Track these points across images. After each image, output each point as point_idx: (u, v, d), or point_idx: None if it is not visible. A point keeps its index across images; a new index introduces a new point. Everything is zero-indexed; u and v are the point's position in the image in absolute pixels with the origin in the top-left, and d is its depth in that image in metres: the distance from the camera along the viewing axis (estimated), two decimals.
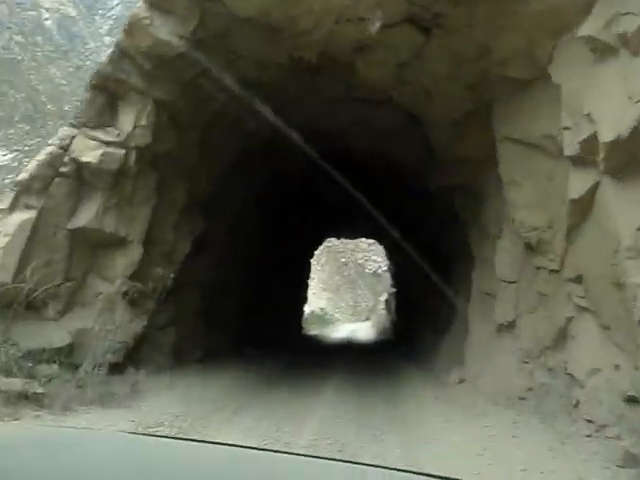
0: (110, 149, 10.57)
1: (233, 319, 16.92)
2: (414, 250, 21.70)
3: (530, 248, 10.20)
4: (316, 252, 32.94)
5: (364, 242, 55.82)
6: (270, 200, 19.28)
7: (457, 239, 15.82)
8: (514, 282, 11.04)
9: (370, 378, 14.44)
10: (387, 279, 47.82)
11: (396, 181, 18.12)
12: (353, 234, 30.99)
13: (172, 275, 12.42)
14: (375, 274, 56.71)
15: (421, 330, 20.37)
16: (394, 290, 33.52)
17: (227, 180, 15.05)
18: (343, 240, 54.43)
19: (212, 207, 14.68)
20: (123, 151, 10.69)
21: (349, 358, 18.52)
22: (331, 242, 56.46)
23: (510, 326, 11.07)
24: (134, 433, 3.27)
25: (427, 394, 11.96)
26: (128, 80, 10.72)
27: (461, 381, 12.37)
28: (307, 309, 38.96)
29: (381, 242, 30.51)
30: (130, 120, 10.86)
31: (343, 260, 59.49)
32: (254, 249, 18.99)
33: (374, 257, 56.38)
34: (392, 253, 27.78)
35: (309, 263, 31.44)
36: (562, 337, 9.45)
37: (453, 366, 13.45)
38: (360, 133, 15.50)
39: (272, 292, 22.30)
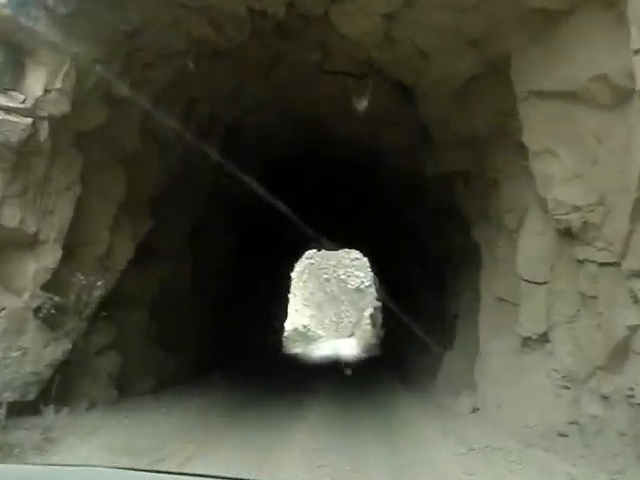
0: (11, 117, 7.72)
1: (197, 340, 14.00)
2: (403, 256, 18.88)
3: (569, 235, 7.47)
4: (296, 265, 30.06)
5: (346, 257, 53.91)
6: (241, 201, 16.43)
7: (457, 238, 13.10)
8: (544, 283, 8.28)
9: (358, 407, 11.61)
10: (370, 294, 45.56)
11: (383, 175, 15.39)
12: (334, 245, 28.19)
13: (108, 286, 9.54)
14: (358, 290, 54.66)
15: (413, 346, 17.53)
16: (379, 304, 30.72)
17: (186, 173, 12.24)
18: (324, 252, 52.30)
19: (165, 206, 11.84)
20: (30, 120, 7.83)
21: (334, 379, 15.62)
22: (313, 259, 54.32)
23: (541, 340, 8.30)
24: (118, 468, 2.44)
25: (432, 428, 9.15)
26: (35, 28, 7.88)
27: (474, 410, 9.56)
28: (289, 326, 36.13)
29: (364, 252, 27.71)
30: (40, 82, 8.04)
31: (325, 276, 57.36)
32: (223, 259, 16.10)
33: (357, 272, 54.32)
34: (377, 263, 25.00)
35: (289, 277, 28.55)
36: (622, 353, 6.71)
37: (460, 390, 10.65)
38: (339, 116, 12.76)
39: (246, 308, 19.39)
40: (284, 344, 28.66)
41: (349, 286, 56.22)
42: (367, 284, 47.72)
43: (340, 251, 52.52)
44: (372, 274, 30.65)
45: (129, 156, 10.16)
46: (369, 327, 35.24)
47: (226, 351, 16.61)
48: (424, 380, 14.04)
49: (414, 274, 17.98)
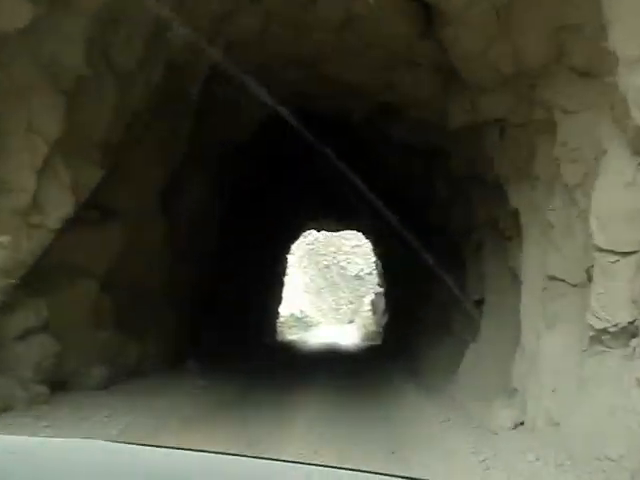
0: None
1: (171, 323, 11.39)
2: (412, 234, 16.23)
3: None
4: (293, 246, 27.40)
5: (346, 244, 51.81)
6: (231, 167, 13.77)
7: (483, 207, 10.51)
8: (631, 253, 5.64)
9: (360, 410, 9.02)
10: (370, 282, 42.67)
11: (391, 137, 12.70)
12: (335, 224, 25.52)
13: (35, 249, 6.94)
14: (357, 276, 52.63)
15: (423, 336, 14.94)
16: (381, 289, 28.13)
17: (157, 115, 9.65)
18: (324, 238, 49.98)
19: (129, 155, 9.24)
20: None
21: (331, 374, 13.00)
22: (313, 244, 52.45)
23: (622, 334, 5.67)
24: (114, 441, 2.18)
25: (462, 450, 6.55)
26: None
27: (517, 425, 6.95)
28: (285, 311, 33.62)
29: (367, 232, 25.05)
30: None
31: (325, 263, 55.31)
32: (207, 230, 13.46)
33: (356, 259, 52.30)
34: (381, 243, 22.35)
35: (285, 258, 25.90)
36: None
37: (491, 395, 8.07)
38: (338, 56, 10.14)
39: (235, 289, 16.80)
40: (278, 330, 26.07)
41: (349, 273, 54.62)
42: (367, 271, 45.81)
43: (340, 237, 50.73)
44: (374, 257, 28.00)
45: (70, 81, 7.51)
46: (370, 314, 32.68)
47: (209, 337, 14.03)
48: (439, 378, 11.45)
49: (424, 254, 15.33)
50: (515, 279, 9.43)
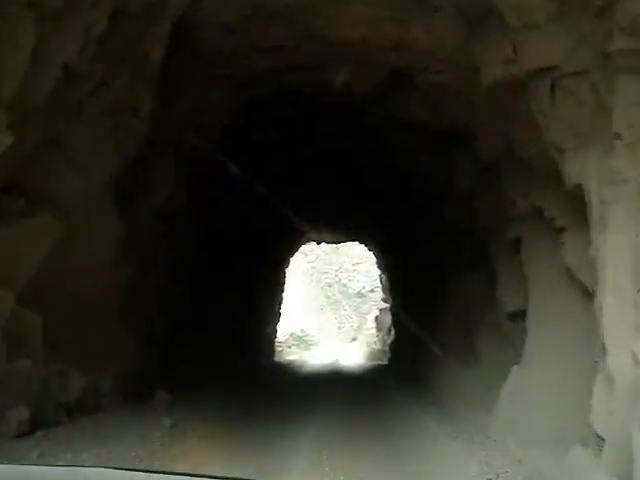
0: None
1: (129, 346, 8.89)
2: (426, 234, 13.75)
3: None
4: (291, 259, 24.85)
5: (348, 261, 50.04)
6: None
7: (521, 193, 8.08)
8: None
9: (378, 471, 6.49)
10: (372, 299, 40.75)
11: (400, 111, 10.29)
12: (335, 235, 23.00)
13: None
14: (360, 294, 50.72)
15: (439, 356, 12.41)
16: (387, 305, 25.60)
17: (108, 74, 7.27)
18: (325, 255, 47.96)
19: (66, 125, 6.86)
20: None
21: (334, 405, 10.43)
22: (314, 263, 51.07)
23: None
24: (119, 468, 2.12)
25: None
26: None
27: None
28: (286, 330, 31.12)
29: (370, 244, 22.52)
30: None
31: (326, 280, 53.46)
32: (183, 236, 11.02)
33: (358, 277, 50.40)
34: (386, 253, 19.83)
35: (282, 272, 23.37)
36: None
37: (554, 442, 5.58)
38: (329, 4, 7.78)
39: (223, 306, 14.32)
40: (277, 349, 23.48)
41: (350, 290, 52.69)
42: (369, 289, 43.98)
43: (341, 255, 48.63)
44: (379, 270, 25.44)
45: None
46: (373, 332, 30.11)
47: (190, 363, 11.53)
48: (465, 411, 8.99)
49: (439, 262, 12.88)
50: (572, 283, 6.99)
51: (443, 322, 12.32)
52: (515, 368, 7.49)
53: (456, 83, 8.20)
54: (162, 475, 1.78)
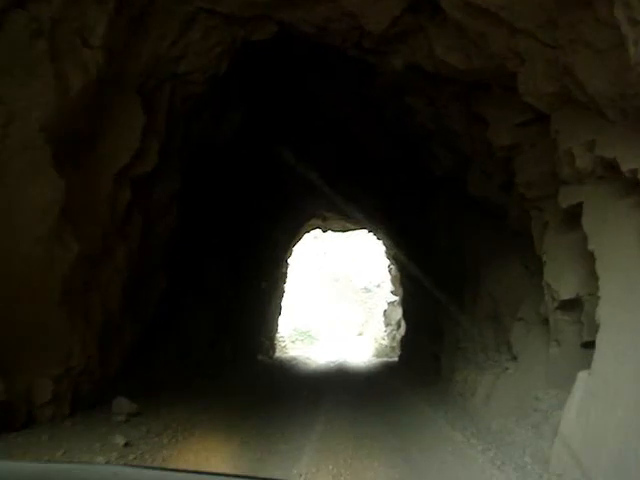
0: None
1: (70, 341, 6.87)
2: (446, 211, 11.52)
3: None
4: (294, 249, 22.78)
5: (354, 256, 47.01)
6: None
7: (581, 141, 6.03)
8: None
9: None
10: (379, 293, 39.45)
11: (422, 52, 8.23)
12: (342, 221, 20.87)
13: None
14: (366, 289, 49.57)
15: (465, 356, 10.37)
16: (397, 298, 23.61)
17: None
18: (331, 245, 46.54)
19: None
20: None
21: (339, 414, 8.39)
22: (320, 256, 50.13)
23: None
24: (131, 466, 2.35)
25: None
26: None
27: None
28: (289, 324, 29.25)
29: (379, 231, 20.40)
30: None
31: (332, 275, 52.37)
32: (156, 213, 9.02)
33: (365, 271, 49.21)
34: (398, 240, 17.71)
35: (284, 262, 21.32)
36: None
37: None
38: None
39: (211, 294, 12.32)
40: (277, 345, 21.46)
41: (357, 285, 51.57)
42: (375, 284, 43.02)
43: (348, 249, 47.19)
44: (388, 260, 23.32)
45: None
46: (381, 326, 28.09)
47: (160, 361, 9.55)
48: (504, 425, 6.95)
49: (463, 246, 10.85)
50: None
51: (469, 315, 10.26)
52: (583, 376, 5.46)
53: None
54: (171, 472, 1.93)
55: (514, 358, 8.25)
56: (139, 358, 8.56)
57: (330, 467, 5.59)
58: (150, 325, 9.09)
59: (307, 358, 20.58)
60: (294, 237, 20.73)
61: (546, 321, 7.44)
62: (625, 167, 5.44)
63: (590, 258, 6.06)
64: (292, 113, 12.25)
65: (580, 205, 6.31)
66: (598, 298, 5.60)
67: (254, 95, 11.13)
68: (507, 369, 8.21)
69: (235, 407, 8.47)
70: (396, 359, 19.77)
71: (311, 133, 13.11)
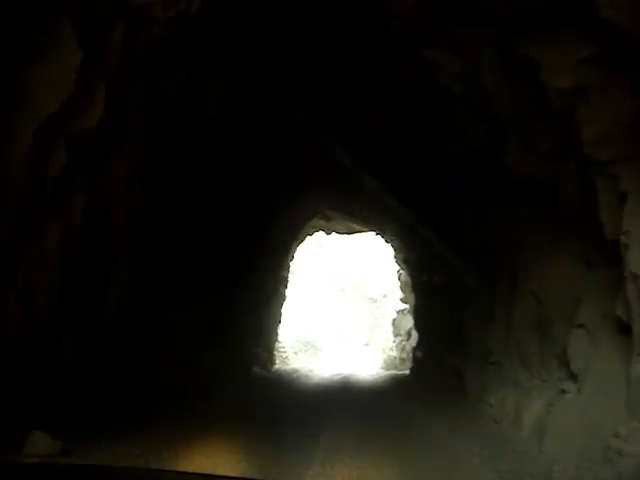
0: None
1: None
2: (472, 198, 9.40)
3: None
4: (297, 250, 20.71)
5: (361, 265, 44.92)
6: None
7: None
8: None
9: None
10: (385, 304, 37.71)
11: None
12: (348, 220, 18.82)
13: None
14: (372, 299, 48.68)
15: (499, 372, 8.27)
16: (407, 306, 21.55)
17: None
18: (337, 253, 45.02)
19: None
20: None
21: (344, 449, 6.30)
22: (324, 262, 48.95)
23: None
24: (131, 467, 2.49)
25: None
26: None
27: None
28: (292, 335, 27.37)
29: (388, 232, 18.30)
30: None
31: (338, 284, 51.25)
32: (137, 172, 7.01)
33: (371, 281, 48.13)
34: (410, 239, 15.61)
35: (285, 265, 19.25)
36: None
37: None
38: None
39: (200, 295, 10.29)
40: (277, 357, 19.34)
41: (363, 295, 50.41)
42: (382, 294, 40.91)
43: (354, 258, 45.93)
44: (398, 265, 21.19)
45: None
46: (390, 336, 26.01)
47: (125, 381, 7.50)
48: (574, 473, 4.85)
49: (498, 234, 8.77)
50: None
51: (503, 322, 8.17)
52: None
53: None
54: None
55: (573, 377, 6.15)
56: (85, 377, 6.51)
57: None
58: (104, 333, 7.05)
59: (309, 371, 18.42)
60: (295, 237, 18.65)
61: (623, 328, 5.39)
62: None
63: None
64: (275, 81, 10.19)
65: None
66: None
67: (238, 62, 9.15)
68: (565, 392, 6.12)
69: (209, 440, 6.41)
70: (407, 372, 17.61)
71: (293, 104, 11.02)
